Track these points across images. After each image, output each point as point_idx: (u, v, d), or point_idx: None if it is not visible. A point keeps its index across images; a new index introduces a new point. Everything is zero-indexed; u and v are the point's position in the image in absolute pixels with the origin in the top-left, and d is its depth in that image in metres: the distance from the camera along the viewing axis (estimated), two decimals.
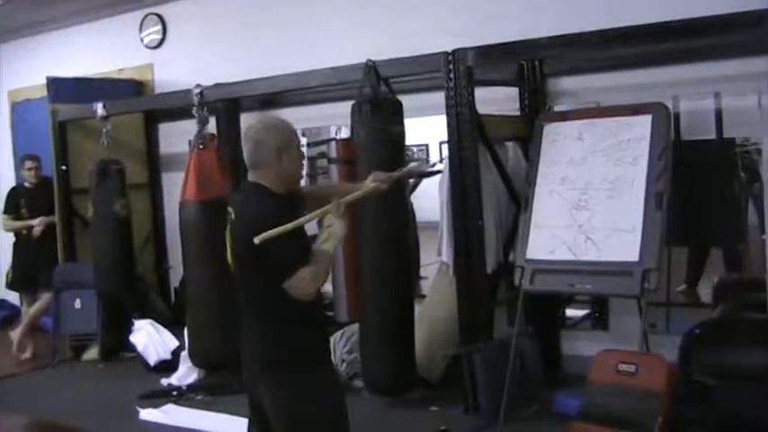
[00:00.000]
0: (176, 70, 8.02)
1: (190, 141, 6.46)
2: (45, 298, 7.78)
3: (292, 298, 3.12)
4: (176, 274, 7.84)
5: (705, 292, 6.60)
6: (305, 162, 3.47)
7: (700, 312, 5.98)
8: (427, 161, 4.24)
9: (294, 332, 3.23)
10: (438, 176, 6.00)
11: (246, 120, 7.16)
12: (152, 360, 6.87)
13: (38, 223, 7.78)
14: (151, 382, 6.47)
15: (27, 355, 7.80)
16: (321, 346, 3.46)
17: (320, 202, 3.41)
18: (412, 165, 3.50)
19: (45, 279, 7.73)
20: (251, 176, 3.32)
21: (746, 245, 6.21)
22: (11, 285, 8.30)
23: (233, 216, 3.29)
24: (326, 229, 3.25)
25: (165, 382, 6.48)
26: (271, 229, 3.06)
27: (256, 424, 3.43)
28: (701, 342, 4.87)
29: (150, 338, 6.99)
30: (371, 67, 5.52)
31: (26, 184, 7.99)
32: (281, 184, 3.30)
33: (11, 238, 8.28)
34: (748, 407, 4.32)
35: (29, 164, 7.88)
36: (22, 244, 8.05)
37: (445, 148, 5.81)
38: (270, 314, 3.23)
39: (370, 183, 3.65)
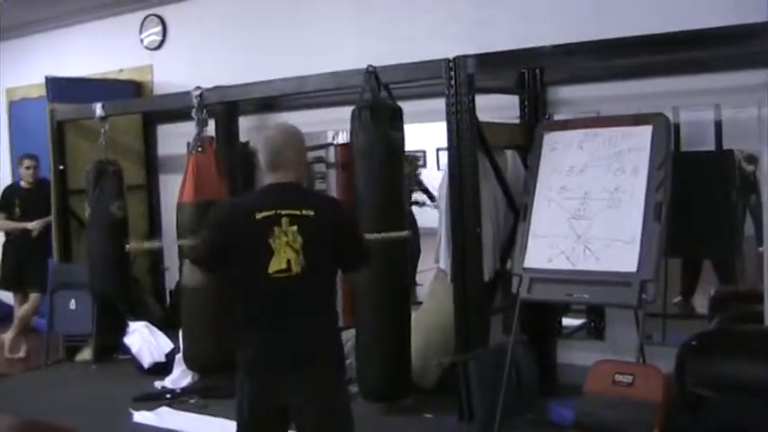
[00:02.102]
0: (176, 72, 8.01)
1: (188, 144, 6.45)
2: (34, 298, 7.77)
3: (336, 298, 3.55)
4: (172, 277, 7.82)
5: (701, 303, 6.61)
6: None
7: (696, 324, 5.99)
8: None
9: (337, 334, 3.57)
10: (437, 183, 5.99)
11: (245, 123, 7.18)
12: (146, 362, 6.85)
13: (33, 226, 7.75)
14: (145, 385, 6.45)
15: (20, 354, 7.79)
16: None
17: None
18: None
19: (35, 279, 7.71)
20: (276, 177, 3.41)
21: (743, 257, 6.21)
22: (0, 285, 8.26)
23: (309, 214, 3.33)
24: None
25: (158, 384, 6.46)
26: (352, 218, 3.73)
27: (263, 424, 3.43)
28: (698, 354, 4.86)
29: (145, 340, 6.97)
30: (372, 73, 5.51)
31: (22, 184, 7.97)
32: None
33: (1, 237, 8.26)
34: (744, 419, 4.31)
35: (27, 162, 7.85)
36: (13, 244, 8.02)
37: (442, 154, 5.81)
38: (332, 311, 3.53)
39: None
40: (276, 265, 3.27)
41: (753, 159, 5.85)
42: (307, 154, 3.59)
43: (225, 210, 3.56)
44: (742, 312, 5.82)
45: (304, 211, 3.31)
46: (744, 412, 4.37)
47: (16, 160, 8.31)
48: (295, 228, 3.29)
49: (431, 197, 9.29)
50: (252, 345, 3.38)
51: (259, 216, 3.30)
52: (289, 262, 3.28)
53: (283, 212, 3.30)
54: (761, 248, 5.50)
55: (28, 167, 7.82)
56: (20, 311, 7.88)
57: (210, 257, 3.45)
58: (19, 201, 7.87)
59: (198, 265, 3.54)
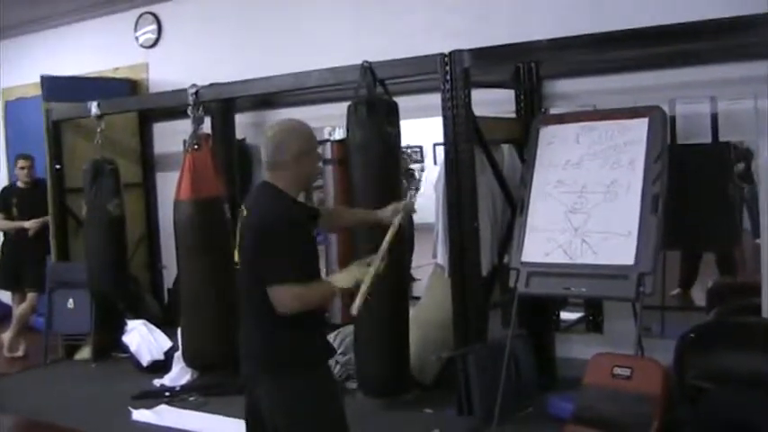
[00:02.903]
0: (171, 70, 8.00)
1: (184, 141, 6.44)
2: (31, 298, 7.76)
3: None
4: (170, 275, 7.82)
5: (699, 295, 6.61)
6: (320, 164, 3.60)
7: (694, 316, 6.00)
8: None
9: (294, 333, 3.24)
10: (434, 178, 5.99)
11: (241, 120, 7.17)
12: (145, 360, 6.85)
13: (30, 225, 7.73)
14: (144, 383, 6.45)
15: (19, 354, 7.78)
16: (321, 347, 3.44)
17: (333, 223, 3.97)
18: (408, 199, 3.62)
19: (32, 278, 7.71)
20: (266, 176, 3.37)
21: (741, 249, 6.22)
22: None
23: (245, 213, 3.33)
24: (355, 269, 3.38)
25: (157, 382, 6.46)
26: (282, 227, 3.19)
27: (252, 425, 3.43)
28: (696, 346, 4.87)
29: (143, 339, 6.96)
30: (368, 68, 5.51)
31: (19, 184, 7.96)
32: (296, 187, 3.36)
33: None
34: (743, 411, 4.32)
35: (21, 163, 7.84)
36: (10, 243, 8.02)
37: (439, 149, 5.80)
38: (269, 314, 3.20)
39: (394, 217, 3.71)
40: (235, 257, 3.37)
41: (749, 152, 5.87)
42: (312, 151, 3.40)
43: None
44: (740, 304, 5.82)
45: (246, 210, 3.34)
46: (742, 404, 4.38)
47: (12, 160, 8.31)
48: (240, 224, 3.35)
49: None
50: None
51: (241, 211, 3.38)
52: (237, 256, 3.35)
53: (243, 208, 3.37)
54: (758, 240, 5.50)
55: (22, 167, 7.81)
56: (18, 311, 7.88)
57: None
58: (16, 200, 7.87)
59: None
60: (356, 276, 3.34)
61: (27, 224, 7.75)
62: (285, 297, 3.15)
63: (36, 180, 7.89)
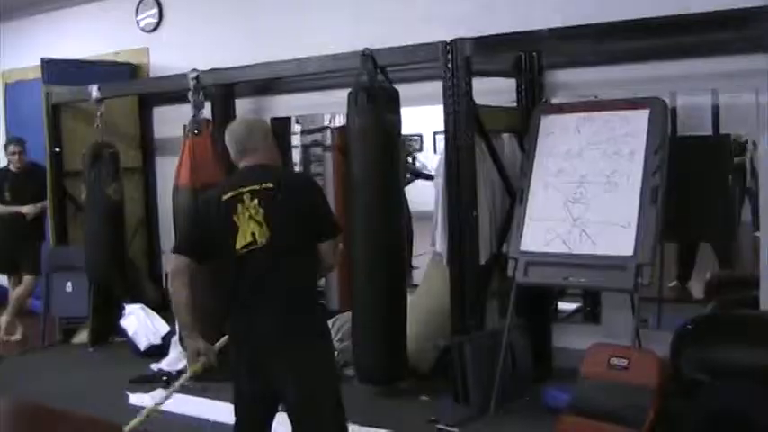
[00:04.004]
0: (172, 54, 7.98)
1: (185, 126, 6.43)
2: (27, 281, 7.75)
3: (316, 272, 3.56)
4: (168, 260, 7.80)
5: (697, 288, 6.62)
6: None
7: (691, 308, 6.00)
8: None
9: (315, 307, 3.55)
10: (433, 165, 5.99)
11: (242, 106, 7.16)
12: (142, 345, 6.86)
13: (27, 211, 7.70)
14: (141, 367, 6.46)
15: (17, 337, 7.79)
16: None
17: None
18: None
19: (28, 262, 7.71)
20: (245, 162, 3.54)
21: (739, 241, 6.23)
22: None
23: (268, 185, 3.39)
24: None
25: (155, 367, 6.46)
26: (317, 188, 3.66)
27: (258, 404, 3.48)
28: (693, 338, 4.88)
29: (141, 323, 6.97)
30: (369, 56, 5.49)
31: (11, 168, 7.85)
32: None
33: None
34: (739, 403, 4.33)
35: (12, 148, 7.73)
36: (6, 227, 7.96)
37: (439, 138, 5.80)
38: (307, 282, 3.48)
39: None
40: (241, 240, 3.37)
41: (750, 144, 5.88)
42: (271, 139, 3.67)
43: (200, 201, 3.69)
44: (738, 297, 5.83)
45: (264, 185, 3.39)
46: (738, 397, 4.38)
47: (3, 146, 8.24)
48: (256, 201, 3.37)
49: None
50: (238, 324, 3.50)
51: (224, 198, 3.43)
52: (253, 234, 3.36)
53: (245, 190, 3.40)
54: (757, 233, 5.50)
55: (13, 153, 7.71)
56: (14, 294, 7.88)
57: (190, 248, 3.53)
58: (8, 185, 7.80)
59: (177, 251, 3.56)
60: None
61: (25, 209, 7.70)
62: (337, 249, 3.53)
63: (29, 164, 7.83)
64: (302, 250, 3.41)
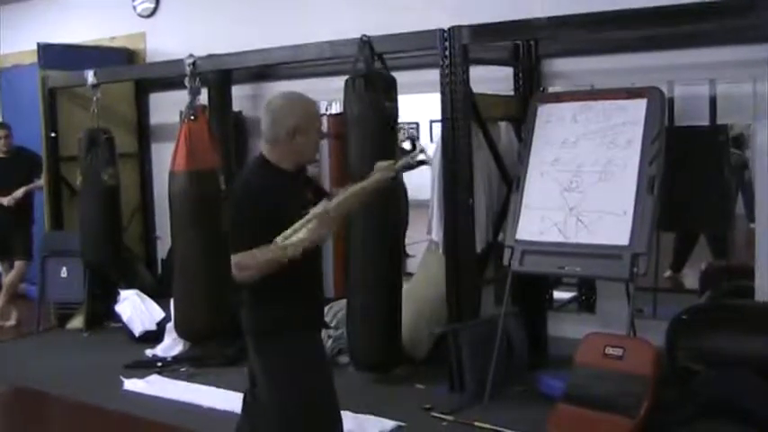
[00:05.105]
0: (169, 40, 7.95)
1: (181, 112, 6.41)
2: (19, 266, 7.73)
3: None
4: (164, 245, 7.81)
5: (693, 277, 6.64)
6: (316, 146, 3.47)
7: (687, 298, 6.02)
8: (419, 150, 4.17)
9: (275, 302, 3.24)
10: (431, 153, 5.97)
11: (238, 92, 7.14)
12: (137, 330, 6.86)
13: (6, 202, 7.63)
14: (136, 353, 6.46)
15: (11, 322, 7.78)
16: (307, 315, 3.41)
17: None
18: (405, 158, 3.46)
19: (19, 247, 7.70)
20: (262, 148, 3.34)
21: (734, 232, 6.24)
22: None
23: (233, 187, 3.39)
24: (305, 226, 3.12)
25: (149, 352, 6.47)
26: (247, 197, 3.18)
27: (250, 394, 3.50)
28: (688, 328, 4.90)
29: (136, 309, 6.97)
30: (366, 42, 5.48)
31: None
32: (290, 162, 3.29)
33: None
34: (734, 392, 4.34)
35: (1, 133, 7.68)
36: None
37: (436, 126, 5.79)
38: (250, 290, 3.25)
39: (376, 173, 3.53)
40: None
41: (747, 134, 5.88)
42: (311, 129, 3.29)
43: None
44: (733, 287, 5.85)
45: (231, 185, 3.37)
46: (732, 386, 4.39)
47: None
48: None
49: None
50: None
51: None
52: None
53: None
54: (752, 224, 5.51)
55: (1, 137, 7.67)
56: (6, 279, 7.86)
57: None
58: None
59: None
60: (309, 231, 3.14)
61: (5, 201, 7.61)
62: (233, 267, 3.14)
63: (16, 149, 7.78)
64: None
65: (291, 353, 3.28)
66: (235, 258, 3.12)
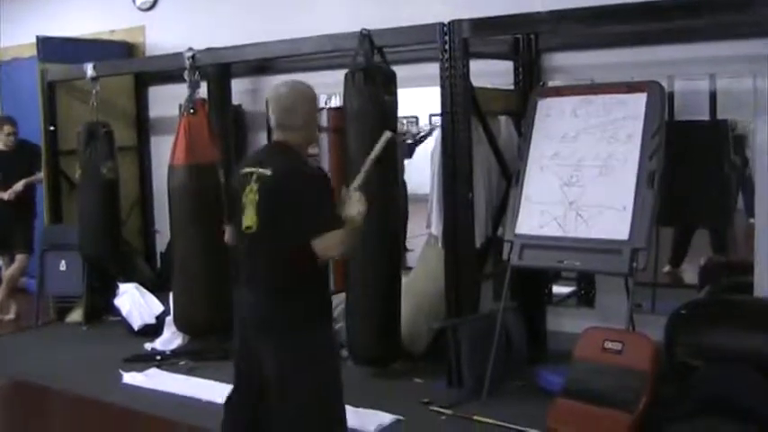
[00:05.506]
0: (168, 33, 7.94)
1: (180, 106, 6.41)
2: (20, 259, 7.72)
3: (305, 260, 3.25)
4: (163, 239, 7.81)
5: (692, 273, 6.63)
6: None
7: (686, 293, 6.01)
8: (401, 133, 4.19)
9: (308, 293, 3.36)
10: (429, 147, 5.97)
11: (238, 85, 7.13)
12: (136, 324, 6.85)
13: (9, 196, 7.62)
14: (135, 346, 6.46)
15: (10, 316, 7.77)
16: (324, 309, 3.51)
17: None
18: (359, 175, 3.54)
19: (21, 241, 7.68)
20: (274, 136, 3.48)
21: (734, 227, 6.24)
22: None
23: (267, 173, 3.33)
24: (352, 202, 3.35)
25: (148, 346, 6.47)
26: (311, 184, 3.29)
27: (246, 389, 3.49)
28: (687, 323, 4.89)
29: (135, 302, 6.96)
30: (366, 36, 5.47)
31: (1, 146, 7.71)
32: (305, 146, 3.51)
33: None
34: (732, 388, 4.34)
35: (8, 129, 7.64)
36: None
37: (436, 120, 5.78)
38: (284, 275, 3.32)
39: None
40: (245, 221, 3.37)
41: (747, 129, 5.87)
42: (315, 113, 3.58)
43: (234, 170, 3.67)
44: (732, 282, 5.84)
45: (264, 170, 3.35)
46: (730, 382, 4.39)
47: None
48: (257, 185, 3.34)
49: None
50: (234, 303, 3.50)
51: (241, 172, 3.43)
52: (251, 219, 3.35)
53: (253, 170, 3.38)
54: (752, 219, 5.51)
55: (9, 134, 7.63)
56: (7, 273, 7.86)
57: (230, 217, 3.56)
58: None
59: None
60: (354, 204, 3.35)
61: (5, 196, 7.59)
62: (333, 245, 3.24)
63: (19, 142, 7.76)
64: (286, 243, 3.29)
65: (325, 344, 3.45)
66: (322, 241, 3.22)
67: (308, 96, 3.49)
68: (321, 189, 3.31)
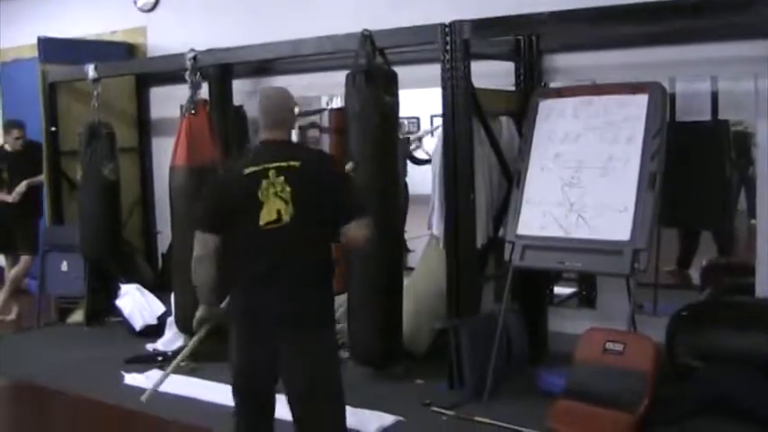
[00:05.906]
0: (170, 34, 7.94)
1: (181, 106, 6.41)
2: (24, 260, 7.73)
3: (329, 249, 3.51)
4: (164, 240, 7.81)
5: (693, 274, 6.63)
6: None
7: (687, 294, 6.02)
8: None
9: (331, 286, 3.53)
10: (432, 148, 5.97)
11: (239, 86, 7.13)
12: (138, 325, 6.86)
13: (12, 200, 7.63)
14: (136, 347, 6.46)
15: (12, 316, 7.78)
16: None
17: None
18: None
19: (25, 241, 7.69)
20: (270, 135, 3.54)
21: (735, 228, 6.24)
22: None
23: (295, 164, 3.40)
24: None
25: (150, 347, 6.47)
26: (342, 171, 3.71)
27: (262, 379, 3.55)
28: (688, 324, 4.90)
29: (136, 303, 6.97)
30: (367, 37, 5.46)
31: (7, 148, 7.75)
32: None
33: None
34: (733, 389, 4.34)
35: (16, 133, 7.65)
36: (1, 207, 7.91)
37: (437, 121, 5.77)
38: (324, 263, 3.49)
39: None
40: (266, 216, 3.37)
41: (748, 131, 5.87)
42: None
43: (221, 174, 3.67)
44: (733, 284, 5.84)
45: (291, 163, 3.40)
46: (731, 383, 4.40)
47: (3, 126, 8.17)
48: (282, 178, 3.38)
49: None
50: (246, 298, 3.48)
51: (247, 172, 3.43)
52: (279, 212, 3.36)
53: (270, 166, 3.40)
54: (753, 221, 5.50)
55: (17, 138, 7.65)
56: (10, 273, 7.86)
57: (212, 220, 3.50)
58: (6, 165, 7.75)
59: (202, 229, 3.51)
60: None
61: (10, 198, 7.61)
62: (365, 229, 3.47)
63: (26, 144, 7.77)
64: (322, 231, 3.45)
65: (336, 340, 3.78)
66: (356, 225, 3.44)
67: (292, 97, 3.65)
68: (349, 176, 3.59)
